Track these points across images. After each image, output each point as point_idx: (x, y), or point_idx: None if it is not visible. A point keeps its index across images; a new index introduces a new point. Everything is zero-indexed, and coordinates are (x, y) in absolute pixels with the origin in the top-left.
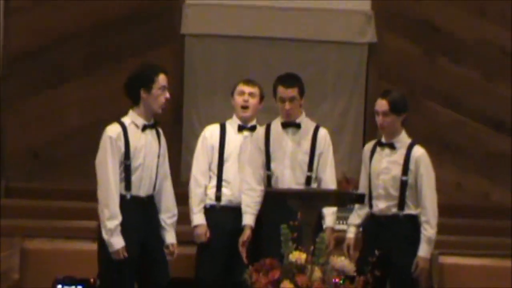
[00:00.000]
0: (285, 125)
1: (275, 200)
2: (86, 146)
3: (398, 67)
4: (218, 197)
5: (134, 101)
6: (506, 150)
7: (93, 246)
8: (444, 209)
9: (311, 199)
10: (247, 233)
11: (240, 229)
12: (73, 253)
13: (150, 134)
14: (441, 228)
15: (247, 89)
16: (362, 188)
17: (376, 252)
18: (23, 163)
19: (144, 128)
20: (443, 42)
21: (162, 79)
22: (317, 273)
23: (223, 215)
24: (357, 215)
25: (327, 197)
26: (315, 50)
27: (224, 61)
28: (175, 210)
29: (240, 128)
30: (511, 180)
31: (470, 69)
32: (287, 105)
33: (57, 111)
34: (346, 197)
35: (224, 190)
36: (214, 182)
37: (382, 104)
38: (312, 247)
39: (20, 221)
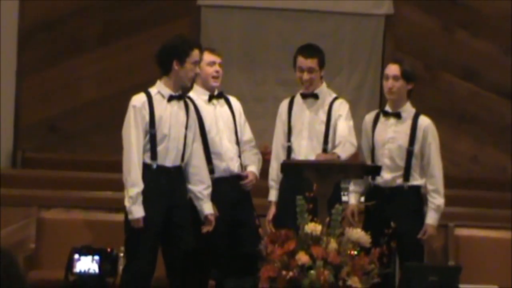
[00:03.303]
0: (304, 96)
1: (291, 172)
2: (101, 117)
3: (415, 40)
4: (211, 170)
5: (165, 71)
6: None
7: (108, 216)
8: (460, 182)
9: (327, 170)
10: (272, 211)
11: (238, 197)
12: (89, 223)
13: (177, 105)
14: (457, 200)
15: (217, 59)
16: (366, 160)
17: (392, 224)
18: (39, 134)
19: (170, 98)
20: (460, 15)
21: (196, 54)
22: (333, 245)
23: (219, 187)
24: (359, 183)
25: (343, 169)
26: (330, 22)
27: (239, 32)
28: (209, 181)
29: (210, 98)
30: None
31: (488, 42)
32: (305, 75)
33: (73, 83)
34: (362, 168)
35: (215, 162)
36: None
37: (393, 68)
38: (328, 219)
39: (36, 192)
